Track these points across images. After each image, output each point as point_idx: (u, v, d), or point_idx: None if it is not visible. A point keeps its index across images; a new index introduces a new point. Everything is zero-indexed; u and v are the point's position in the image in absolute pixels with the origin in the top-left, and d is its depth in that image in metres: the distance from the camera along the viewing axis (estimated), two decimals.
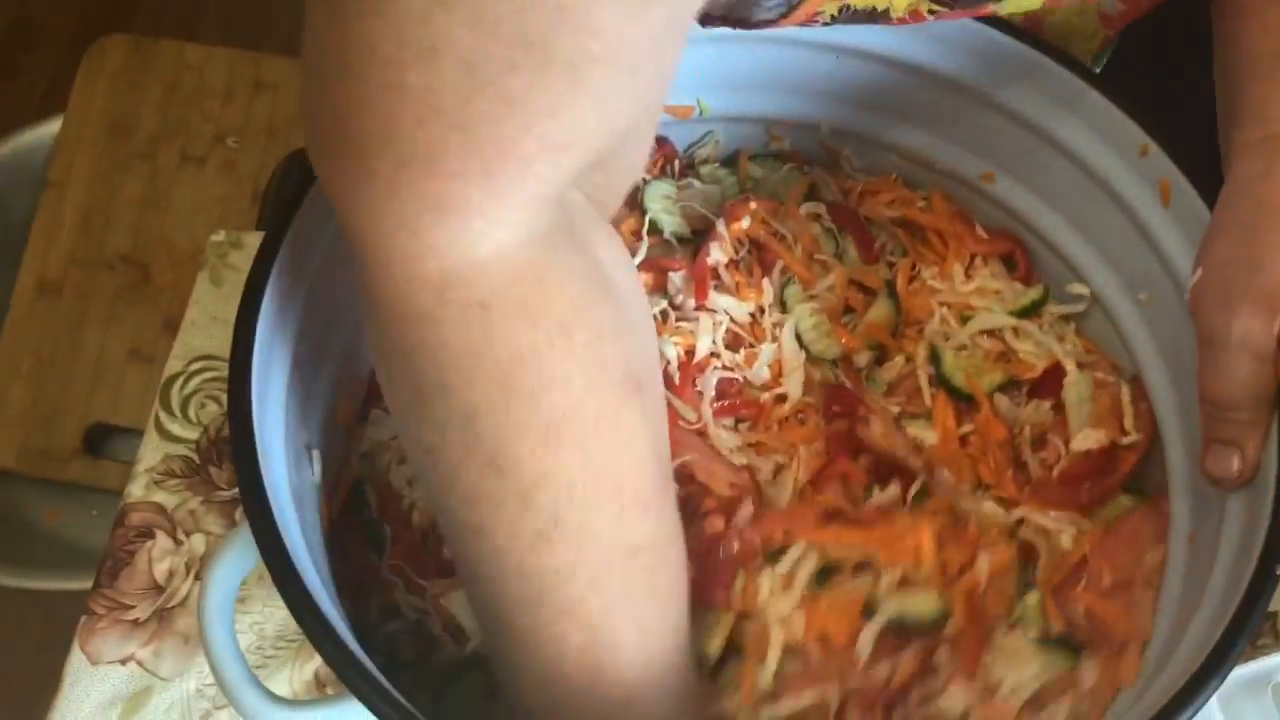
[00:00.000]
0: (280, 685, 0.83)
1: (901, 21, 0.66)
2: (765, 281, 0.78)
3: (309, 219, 0.66)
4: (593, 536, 0.52)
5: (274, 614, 0.86)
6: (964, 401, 0.74)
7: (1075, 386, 0.74)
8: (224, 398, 0.93)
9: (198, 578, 0.87)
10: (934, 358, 0.75)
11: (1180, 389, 0.70)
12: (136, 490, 0.90)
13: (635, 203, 0.82)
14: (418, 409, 0.52)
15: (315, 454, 0.70)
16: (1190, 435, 0.68)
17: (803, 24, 0.65)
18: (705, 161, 0.87)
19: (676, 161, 0.85)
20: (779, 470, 0.72)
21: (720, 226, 0.79)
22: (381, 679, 0.54)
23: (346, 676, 0.53)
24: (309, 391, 0.71)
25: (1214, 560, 0.60)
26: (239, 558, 0.61)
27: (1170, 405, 0.71)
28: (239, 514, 0.89)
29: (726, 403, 0.74)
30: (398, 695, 0.53)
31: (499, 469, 0.50)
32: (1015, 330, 0.77)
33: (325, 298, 0.70)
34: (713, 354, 0.76)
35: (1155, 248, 0.69)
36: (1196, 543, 0.65)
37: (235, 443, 0.57)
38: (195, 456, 0.92)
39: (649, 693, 0.56)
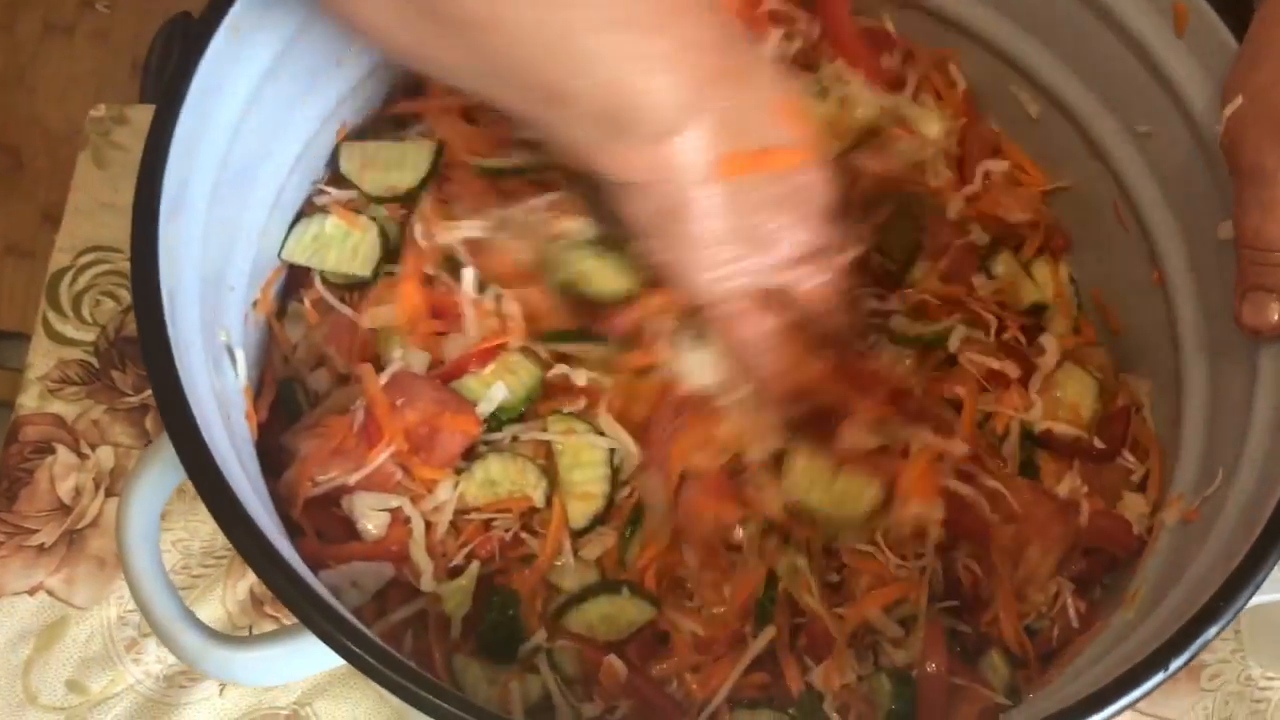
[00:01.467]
0: (212, 608, 0.76)
1: None
2: None
3: (209, 81, 0.56)
4: None
5: (199, 529, 0.78)
6: None
7: None
8: (121, 293, 0.84)
9: (109, 494, 0.79)
10: None
11: (1190, 237, 0.64)
12: (29, 401, 0.81)
13: None
14: None
15: (239, 354, 0.62)
16: (1205, 286, 0.63)
17: None
18: None
19: None
20: None
21: None
22: (337, 605, 0.47)
23: (299, 609, 0.45)
24: (222, 281, 0.62)
25: (1246, 429, 0.55)
26: (160, 477, 0.52)
27: (1179, 254, 0.65)
28: (150, 422, 0.80)
29: None
30: (357, 623, 0.46)
31: None
32: None
33: (235, 172, 0.60)
34: None
35: (1163, 80, 0.63)
36: (1219, 406, 0.60)
37: (146, 347, 0.49)
38: (94, 360, 0.82)
39: None
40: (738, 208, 0.58)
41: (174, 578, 0.76)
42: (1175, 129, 0.64)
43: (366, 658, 0.45)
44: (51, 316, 0.83)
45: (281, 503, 0.61)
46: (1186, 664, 0.46)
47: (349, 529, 0.63)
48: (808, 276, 0.61)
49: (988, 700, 0.64)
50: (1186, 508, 0.59)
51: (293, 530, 0.61)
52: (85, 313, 0.83)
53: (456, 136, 0.71)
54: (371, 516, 0.61)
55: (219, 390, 0.57)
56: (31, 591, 0.76)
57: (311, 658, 0.50)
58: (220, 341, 0.60)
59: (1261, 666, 0.76)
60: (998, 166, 0.75)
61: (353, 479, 0.61)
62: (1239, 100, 0.56)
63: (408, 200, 0.70)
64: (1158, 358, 0.65)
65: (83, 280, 0.84)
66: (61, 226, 0.86)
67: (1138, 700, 0.46)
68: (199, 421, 0.49)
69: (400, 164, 0.70)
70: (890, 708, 0.65)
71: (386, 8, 0.52)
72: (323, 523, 0.63)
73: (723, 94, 0.56)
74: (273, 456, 0.63)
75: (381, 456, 0.60)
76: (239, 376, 0.61)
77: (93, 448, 0.80)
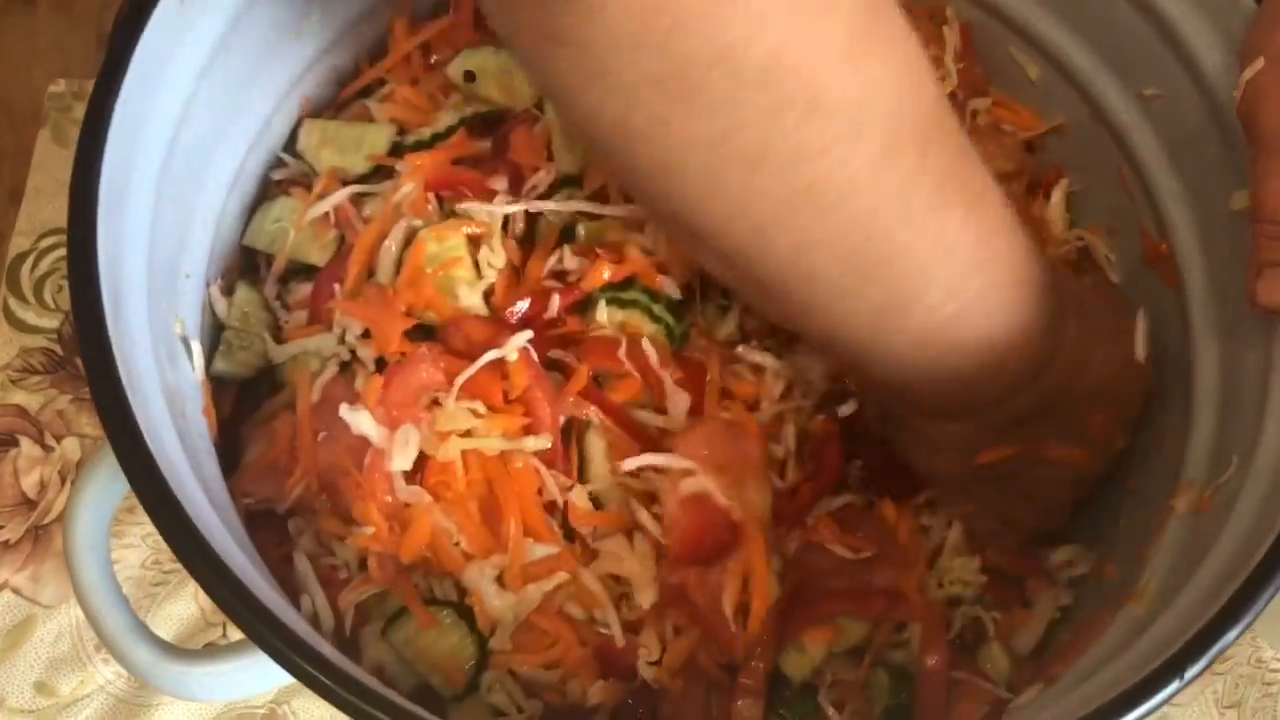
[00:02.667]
0: (184, 604, 0.73)
1: None
2: None
3: (153, 55, 0.53)
4: None
5: None
6: None
7: None
8: None
9: None
10: None
11: (1200, 208, 0.61)
12: None
13: None
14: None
15: (195, 345, 0.58)
16: (1216, 261, 0.59)
17: None
18: None
19: None
20: None
21: None
22: (292, 622, 0.44)
23: (251, 628, 0.42)
24: (176, 269, 0.58)
25: (1262, 414, 0.52)
26: (108, 483, 0.49)
27: (1189, 226, 0.62)
28: None
29: None
30: (312, 643, 0.43)
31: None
32: None
33: (186, 153, 0.57)
34: None
35: (1173, 40, 0.59)
36: (1231, 390, 0.57)
37: (84, 349, 0.45)
38: (57, 348, 0.79)
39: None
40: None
41: (144, 573, 0.73)
42: (1185, 93, 0.60)
43: (323, 679, 0.42)
44: (12, 303, 0.80)
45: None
46: (1204, 670, 0.43)
47: None
48: None
49: (988, 695, 0.61)
50: (1198, 497, 0.55)
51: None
52: (48, 298, 0.80)
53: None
54: (303, 544, 0.57)
55: (172, 386, 0.54)
56: None
57: (272, 672, 0.47)
58: (174, 333, 0.57)
59: (1274, 648, 0.73)
60: (982, 104, 0.71)
61: (281, 506, 0.58)
62: (1260, 63, 0.52)
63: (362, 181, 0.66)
64: (1165, 337, 0.62)
65: (44, 264, 0.81)
66: (21, 208, 0.83)
67: (1150, 712, 0.42)
68: (144, 425, 0.46)
69: (358, 146, 0.66)
70: (888, 703, 0.62)
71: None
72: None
73: (1067, 369, 0.55)
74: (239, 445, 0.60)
75: (296, 490, 0.57)
76: (195, 369, 0.58)
77: (58, 439, 0.77)
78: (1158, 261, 0.64)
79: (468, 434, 0.58)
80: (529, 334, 0.58)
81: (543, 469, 0.58)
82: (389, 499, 0.57)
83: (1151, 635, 0.48)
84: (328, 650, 0.43)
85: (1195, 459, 0.57)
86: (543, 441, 0.58)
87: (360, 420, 0.56)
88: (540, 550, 0.58)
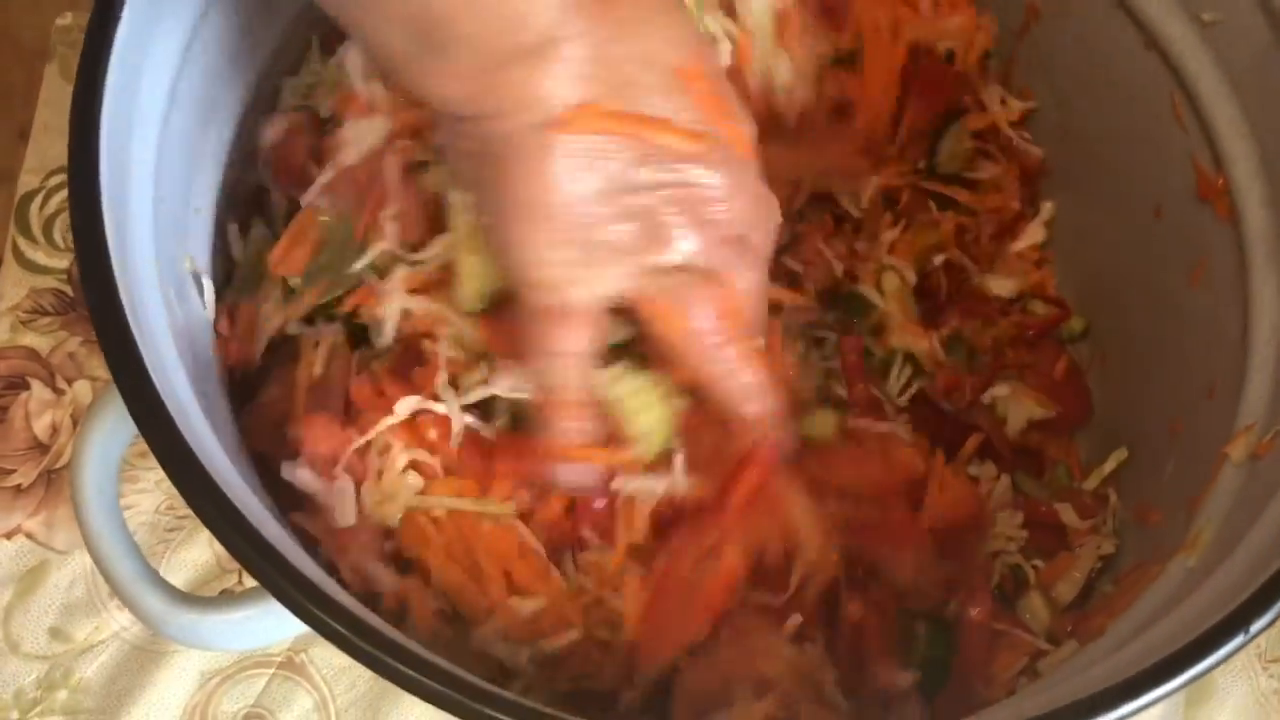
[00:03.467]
0: (200, 550, 0.71)
1: None
2: None
3: None
4: None
5: None
6: None
7: None
8: None
9: None
10: None
11: (1262, 138, 0.57)
12: (0, 333, 0.76)
13: None
14: None
15: (206, 282, 0.56)
16: (1276, 195, 0.56)
17: None
18: None
19: None
20: None
21: None
22: (306, 568, 0.42)
23: (264, 575, 0.40)
24: (185, 202, 0.56)
25: None
26: (114, 425, 0.47)
27: (1248, 157, 0.58)
28: None
29: None
30: (328, 589, 0.41)
31: None
32: None
33: (198, 76, 0.54)
34: None
35: None
36: None
37: (85, 275, 0.43)
38: (68, 289, 0.77)
39: None
40: (605, 172, 0.44)
41: (158, 519, 0.72)
42: (1248, 16, 0.57)
43: (336, 626, 0.40)
44: (21, 243, 0.78)
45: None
46: (1270, 625, 0.40)
47: None
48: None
49: (1028, 645, 0.59)
50: (1257, 441, 0.53)
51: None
52: (57, 238, 0.78)
53: None
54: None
55: (182, 324, 0.52)
56: (9, 535, 0.72)
57: (286, 620, 0.45)
58: (184, 269, 0.55)
59: None
60: None
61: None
62: None
63: None
64: (1221, 273, 0.59)
65: (54, 203, 0.79)
66: (29, 146, 0.80)
67: (1212, 668, 0.40)
68: (151, 364, 0.43)
69: None
70: (926, 654, 0.60)
71: None
72: None
73: (605, 28, 0.43)
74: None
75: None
76: (207, 307, 0.56)
77: (69, 382, 0.75)
78: (1213, 196, 0.61)
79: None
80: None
81: (520, 526, 0.54)
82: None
83: (1209, 588, 0.46)
84: (344, 598, 0.42)
85: (1253, 401, 0.54)
86: (506, 507, 0.54)
87: (301, 475, 0.53)
88: (530, 605, 0.54)
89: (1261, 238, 0.57)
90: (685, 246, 0.47)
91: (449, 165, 0.49)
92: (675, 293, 0.48)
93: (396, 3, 0.41)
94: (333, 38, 0.64)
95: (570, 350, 0.48)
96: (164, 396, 0.42)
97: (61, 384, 0.75)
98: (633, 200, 0.45)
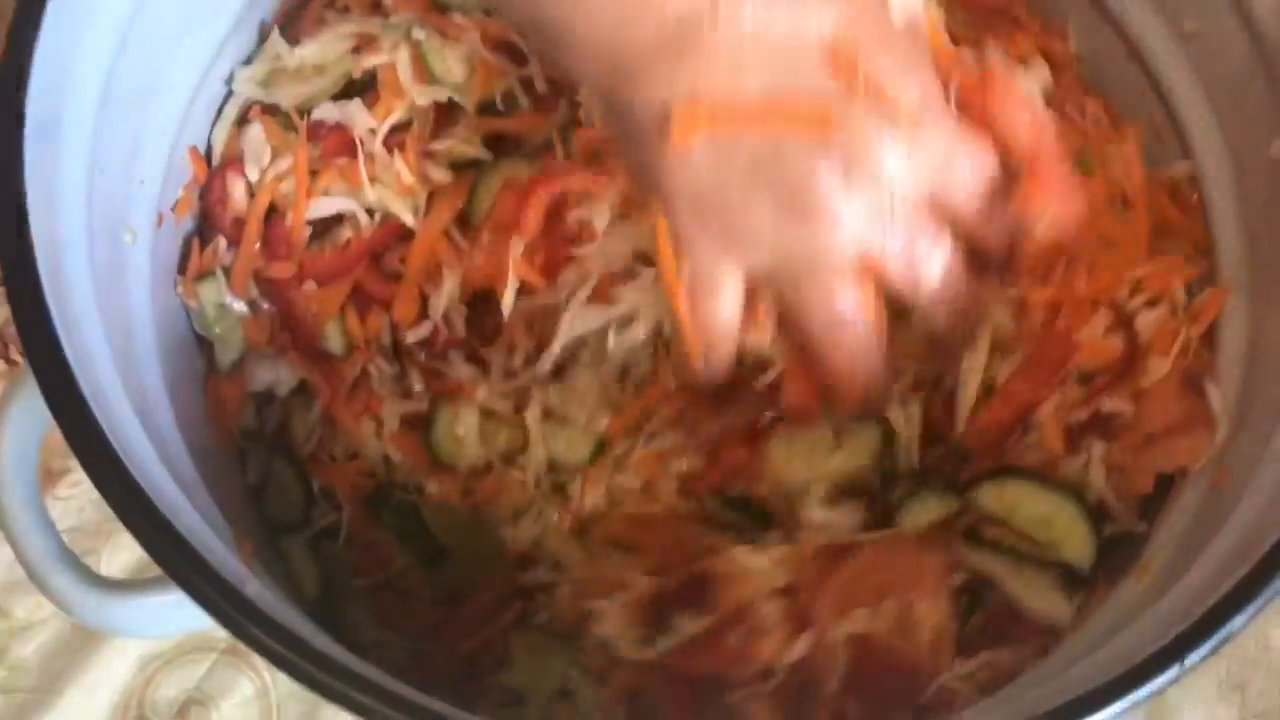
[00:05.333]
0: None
1: None
2: None
3: None
4: None
5: None
6: None
7: None
8: None
9: None
10: None
11: (1238, 156, 0.56)
12: None
13: None
14: None
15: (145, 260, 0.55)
16: (1251, 214, 0.55)
17: None
18: None
19: None
20: None
21: None
22: (218, 560, 0.41)
23: (171, 565, 0.39)
24: (128, 174, 0.54)
25: None
26: (33, 404, 0.45)
27: (1224, 176, 0.57)
28: None
29: None
30: (241, 586, 0.40)
31: None
32: None
33: (143, 41, 0.52)
34: None
35: None
36: (1259, 354, 0.52)
37: (2, 253, 0.41)
38: None
39: None
40: (737, 155, 0.46)
41: (93, 510, 0.70)
42: (1229, 29, 0.56)
43: (244, 623, 0.39)
44: None
45: None
46: (1207, 656, 0.39)
47: None
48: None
49: None
50: (1214, 469, 0.51)
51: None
52: None
53: None
54: None
55: (117, 304, 0.50)
56: None
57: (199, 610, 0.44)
58: (124, 242, 0.53)
59: None
60: None
61: None
62: None
63: None
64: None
65: None
66: None
67: (1146, 700, 0.39)
68: (65, 335, 0.42)
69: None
70: None
71: None
72: None
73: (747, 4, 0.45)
74: None
75: None
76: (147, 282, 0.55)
77: (23, 355, 0.74)
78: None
79: None
80: None
81: None
82: None
83: (1153, 615, 0.44)
84: (252, 590, 0.40)
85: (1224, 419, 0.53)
86: None
87: None
88: None
89: (1233, 264, 0.56)
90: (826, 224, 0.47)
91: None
92: (808, 284, 0.49)
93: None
94: (297, 29, 0.63)
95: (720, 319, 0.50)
96: (76, 370, 0.41)
97: (15, 356, 0.74)
98: (769, 172, 0.46)
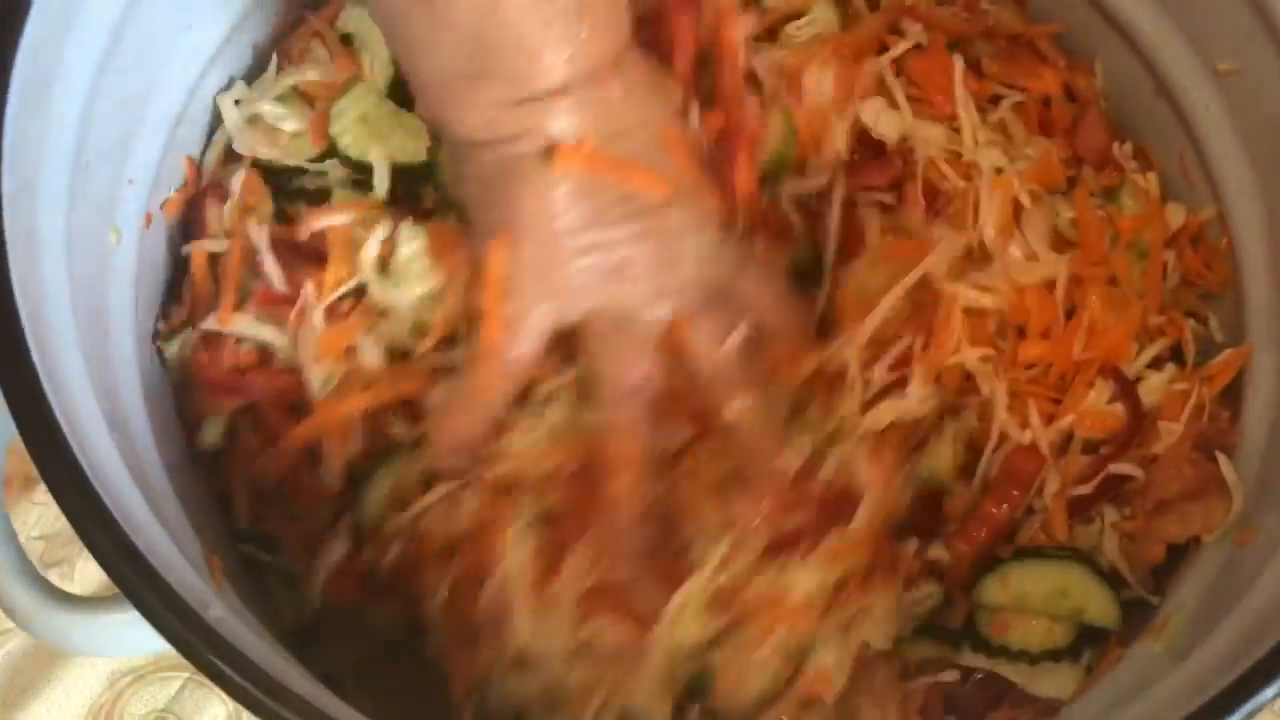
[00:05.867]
0: None
1: None
2: None
3: None
4: None
5: None
6: None
7: None
8: None
9: None
10: None
11: (1272, 201, 0.54)
12: None
13: None
14: None
15: (130, 259, 0.53)
16: None
17: None
18: None
19: None
20: None
21: None
22: (177, 579, 0.38)
23: (118, 573, 0.37)
24: (118, 173, 0.53)
25: None
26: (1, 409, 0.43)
27: (1256, 220, 0.55)
28: None
29: None
30: (194, 605, 0.37)
31: None
32: None
33: (139, 39, 0.51)
34: None
35: (1259, 6, 0.52)
36: None
37: None
38: None
39: None
40: (588, 206, 0.51)
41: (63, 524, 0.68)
42: (1267, 69, 0.54)
43: (200, 648, 0.36)
44: None
45: None
46: None
47: None
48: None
49: None
50: (1239, 530, 0.49)
51: None
52: None
53: None
54: None
55: (95, 307, 0.48)
56: None
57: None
58: (108, 243, 0.51)
59: None
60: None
61: None
62: None
63: None
64: (1211, 346, 0.55)
65: None
66: None
67: None
68: (35, 347, 0.40)
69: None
70: None
71: None
72: None
73: (611, 91, 0.51)
74: None
75: None
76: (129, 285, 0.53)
77: None
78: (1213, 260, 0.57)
79: None
80: None
81: None
82: None
83: (1172, 681, 0.42)
84: (215, 614, 0.38)
85: (1241, 488, 0.50)
86: None
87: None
88: None
89: (1263, 315, 0.53)
90: (642, 288, 0.53)
91: (460, 192, 0.55)
92: (618, 340, 0.53)
93: (462, 24, 0.47)
94: (293, 50, 0.62)
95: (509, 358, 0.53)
96: (40, 371, 0.39)
97: None
98: (602, 236, 0.52)
